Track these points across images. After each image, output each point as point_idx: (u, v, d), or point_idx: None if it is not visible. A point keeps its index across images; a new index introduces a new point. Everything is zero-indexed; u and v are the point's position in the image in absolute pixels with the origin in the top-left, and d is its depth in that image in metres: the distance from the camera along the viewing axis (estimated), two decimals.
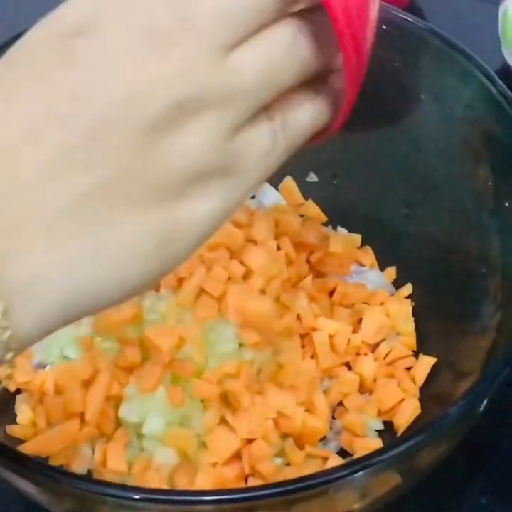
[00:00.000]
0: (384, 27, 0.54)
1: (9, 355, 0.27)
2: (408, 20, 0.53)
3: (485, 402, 0.42)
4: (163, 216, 0.27)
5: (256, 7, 0.27)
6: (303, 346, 0.52)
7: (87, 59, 0.26)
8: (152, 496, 0.36)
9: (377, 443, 0.49)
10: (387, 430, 0.51)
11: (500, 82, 0.50)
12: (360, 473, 0.36)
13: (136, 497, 0.35)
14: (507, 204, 0.49)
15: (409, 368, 0.53)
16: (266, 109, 0.29)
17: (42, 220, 0.26)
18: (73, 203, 0.26)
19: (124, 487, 0.38)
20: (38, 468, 0.37)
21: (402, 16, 0.53)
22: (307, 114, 0.30)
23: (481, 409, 0.42)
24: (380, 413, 0.51)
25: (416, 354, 0.54)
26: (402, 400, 0.51)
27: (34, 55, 0.27)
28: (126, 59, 0.26)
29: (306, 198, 0.62)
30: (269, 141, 0.29)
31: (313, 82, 0.31)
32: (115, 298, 0.28)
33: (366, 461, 0.37)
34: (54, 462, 0.48)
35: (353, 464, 0.37)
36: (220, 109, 0.27)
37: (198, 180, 0.27)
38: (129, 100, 0.26)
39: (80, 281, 0.27)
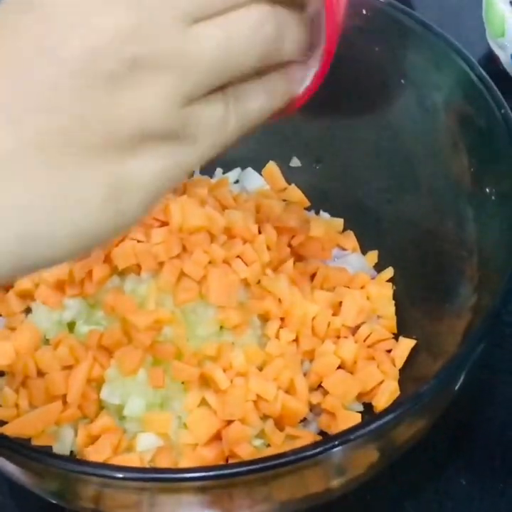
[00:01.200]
0: (364, 11, 0.54)
1: None
2: (388, 5, 0.54)
3: (461, 380, 0.42)
4: (114, 168, 0.28)
5: None
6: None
7: (49, 12, 0.28)
8: (133, 474, 0.37)
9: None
10: (367, 412, 0.52)
11: (478, 66, 0.50)
12: (337, 448, 0.37)
13: (120, 476, 0.36)
14: (487, 190, 0.49)
15: (389, 351, 0.54)
16: (222, 89, 0.31)
17: None
18: (25, 147, 0.27)
19: (108, 467, 0.38)
20: (21, 448, 0.38)
21: (382, 0, 0.54)
22: (259, 101, 0.32)
23: (456, 387, 0.43)
24: (360, 395, 0.52)
25: (396, 337, 0.54)
26: (382, 382, 0.51)
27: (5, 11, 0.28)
28: (88, 11, 0.27)
29: (289, 182, 0.62)
30: (222, 116, 0.31)
31: (272, 69, 0.33)
32: (67, 248, 0.28)
33: (342, 437, 0.37)
34: (36, 443, 0.48)
35: (329, 441, 0.38)
36: (176, 74, 0.28)
37: (151, 139, 0.29)
38: (88, 53, 0.27)
39: (33, 225, 0.27)
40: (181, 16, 0.28)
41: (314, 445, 0.39)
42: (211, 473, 0.37)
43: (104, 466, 0.38)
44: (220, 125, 0.31)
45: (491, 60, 0.72)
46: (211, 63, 0.29)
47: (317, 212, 0.62)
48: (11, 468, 0.41)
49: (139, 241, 0.52)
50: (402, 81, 0.55)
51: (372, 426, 0.38)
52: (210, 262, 0.52)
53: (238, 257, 0.53)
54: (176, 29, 0.28)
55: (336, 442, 0.38)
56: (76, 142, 0.27)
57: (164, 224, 0.53)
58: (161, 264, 0.51)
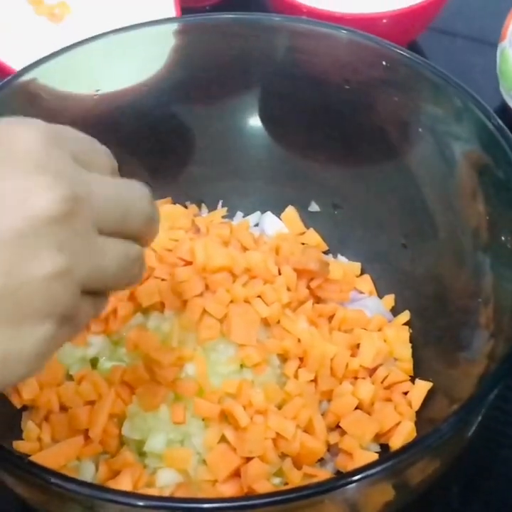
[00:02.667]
0: (384, 63, 0.56)
1: None
2: (407, 57, 0.56)
3: (476, 422, 0.43)
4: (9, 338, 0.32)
5: None
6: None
7: None
8: (156, 503, 0.38)
9: None
10: (383, 453, 0.52)
11: (495, 116, 0.51)
12: (353, 485, 0.38)
13: (141, 504, 0.36)
14: (503, 238, 0.50)
15: (406, 393, 0.54)
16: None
17: None
18: None
19: (131, 494, 0.39)
20: (48, 475, 0.38)
21: (402, 52, 0.56)
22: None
23: (472, 429, 0.43)
24: (376, 436, 0.52)
25: (413, 379, 0.55)
26: (399, 423, 0.52)
27: None
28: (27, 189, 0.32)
29: (307, 226, 0.64)
30: (93, 311, 0.37)
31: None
32: None
33: (358, 473, 0.38)
34: None
35: (345, 476, 0.38)
36: (86, 267, 0.34)
37: (52, 317, 0.33)
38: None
39: None
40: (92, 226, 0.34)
41: (333, 480, 0.39)
42: (232, 504, 0.38)
43: (128, 494, 0.39)
44: (93, 313, 0.37)
45: (504, 113, 0.74)
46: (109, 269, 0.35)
47: (335, 256, 0.63)
48: (34, 494, 0.41)
49: (163, 279, 0.53)
50: (420, 130, 0.57)
51: (389, 463, 0.39)
52: (231, 301, 0.53)
53: (259, 296, 0.54)
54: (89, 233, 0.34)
55: (352, 478, 0.38)
56: None
57: (188, 263, 0.54)
58: (184, 302, 0.52)
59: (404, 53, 0.56)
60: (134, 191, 0.37)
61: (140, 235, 0.38)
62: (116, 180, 0.37)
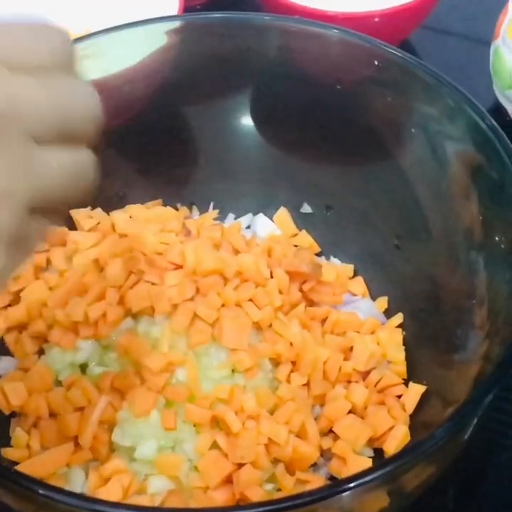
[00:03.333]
0: (376, 62, 0.56)
1: None
2: (400, 56, 0.55)
3: (472, 426, 0.42)
4: None
5: None
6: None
7: None
8: None
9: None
10: (377, 457, 0.52)
11: (488, 116, 0.51)
12: (347, 493, 0.37)
13: None
14: (496, 238, 0.50)
15: (399, 396, 0.54)
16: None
17: None
18: None
19: (121, 505, 0.38)
20: (35, 486, 0.37)
21: (394, 52, 0.55)
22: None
23: (467, 433, 0.43)
24: (370, 440, 0.51)
25: (406, 382, 0.54)
26: (392, 427, 0.51)
27: None
28: None
29: (299, 228, 0.63)
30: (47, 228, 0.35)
31: None
32: None
33: (352, 481, 0.37)
34: None
35: (339, 484, 0.38)
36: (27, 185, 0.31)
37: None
38: None
39: None
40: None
41: (326, 488, 0.39)
42: None
43: (118, 505, 0.38)
44: (40, 236, 0.34)
45: (497, 112, 0.74)
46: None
47: (327, 258, 0.63)
48: (22, 505, 0.41)
49: (153, 283, 0.52)
50: (413, 130, 0.56)
51: (383, 470, 0.38)
52: (222, 305, 0.52)
53: (250, 300, 0.53)
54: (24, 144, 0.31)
55: (346, 486, 0.37)
56: None
57: (178, 267, 0.53)
58: (175, 306, 0.52)
59: (397, 53, 0.55)
60: (75, 92, 0.33)
61: (85, 138, 0.34)
62: (53, 80, 0.32)
